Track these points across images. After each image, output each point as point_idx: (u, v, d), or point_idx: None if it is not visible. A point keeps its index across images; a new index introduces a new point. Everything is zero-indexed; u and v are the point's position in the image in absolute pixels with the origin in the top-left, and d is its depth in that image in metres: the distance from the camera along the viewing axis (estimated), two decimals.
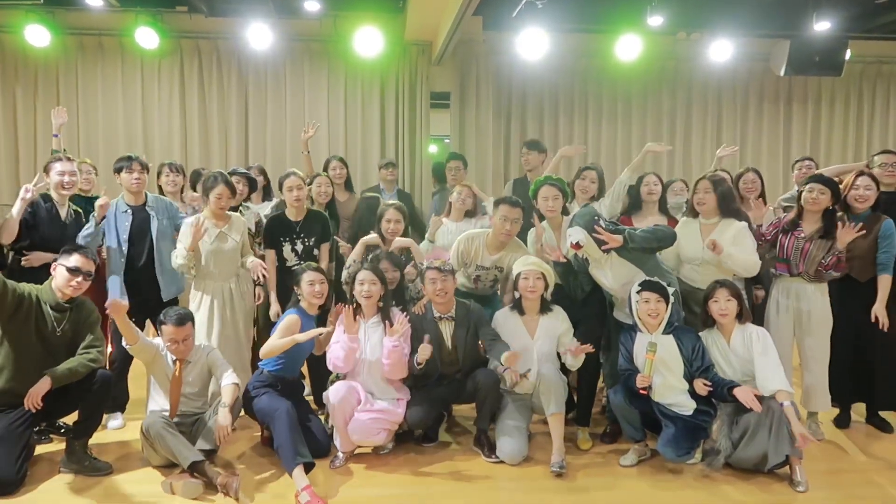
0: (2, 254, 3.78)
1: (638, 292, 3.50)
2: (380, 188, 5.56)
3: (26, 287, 3.37)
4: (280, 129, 6.60)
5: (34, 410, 3.22)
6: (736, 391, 3.31)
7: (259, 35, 5.92)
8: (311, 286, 3.67)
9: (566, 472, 3.42)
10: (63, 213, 3.92)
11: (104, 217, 3.91)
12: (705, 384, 3.33)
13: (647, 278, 3.52)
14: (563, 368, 3.80)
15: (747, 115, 7.46)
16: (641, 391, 3.35)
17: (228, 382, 3.47)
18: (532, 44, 5.99)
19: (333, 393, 3.54)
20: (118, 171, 4.07)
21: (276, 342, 3.55)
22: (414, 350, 3.62)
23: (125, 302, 3.34)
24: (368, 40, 6.01)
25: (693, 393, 3.40)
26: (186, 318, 3.54)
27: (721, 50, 6.61)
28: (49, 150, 4.94)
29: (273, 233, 4.25)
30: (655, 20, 6.10)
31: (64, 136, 6.24)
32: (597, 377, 3.92)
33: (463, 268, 4.08)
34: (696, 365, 3.43)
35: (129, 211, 4.05)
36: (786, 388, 3.34)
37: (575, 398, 4.03)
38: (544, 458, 3.58)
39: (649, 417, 3.48)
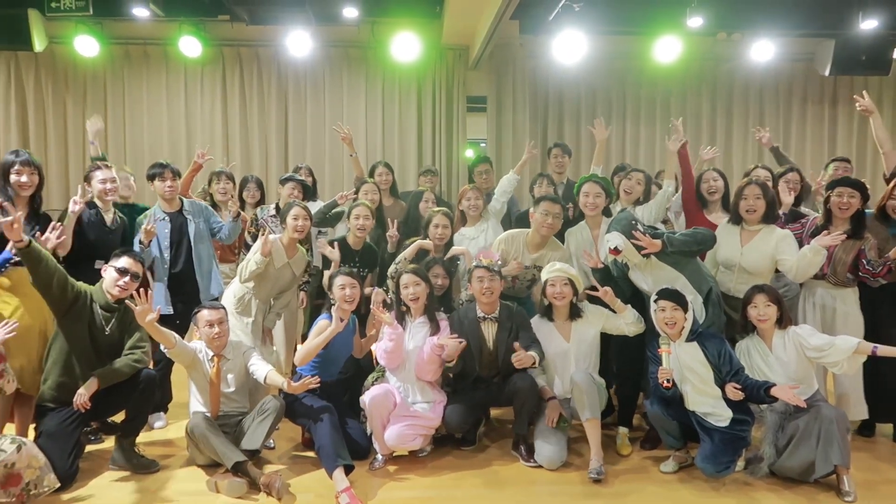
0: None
1: (655, 301, 3.47)
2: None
3: (81, 285, 3.50)
4: (319, 134, 6.70)
5: (83, 411, 3.33)
6: (774, 390, 3.21)
7: (298, 42, 6.02)
8: (342, 290, 3.71)
9: (605, 478, 3.40)
10: (108, 219, 4.04)
11: (151, 241, 4.02)
12: (736, 388, 3.27)
13: (665, 286, 3.49)
14: (603, 372, 3.78)
15: (790, 117, 7.32)
16: (666, 386, 3.31)
17: (267, 369, 3.55)
18: (569, 47, 5.97)
19: (370, 397, 3.58)
20: (151, 178, 4.19)
21: (310, 344, 3.60)
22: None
23: (153, 312, 3.38)
24: (406, 46, 6.06)
25: (728, 400, 3.33)
26: (219, 305, 3.67)
27: (763, 50, 6.49)
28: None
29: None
30: (695, 21, 6.03)
31: (111, 143, 6.50)
32: (638, 378, 3.89)
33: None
34: (725, 370, 3.37)
35: (166, 218, 4.16)
36: (860, 342, 3.28)
37: (614, 401, 4.00)
38: (583, 463, 3.57)
39: (688, 427, 3.44)
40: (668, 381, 3.31)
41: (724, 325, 3.66)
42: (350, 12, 6.04)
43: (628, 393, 3.95)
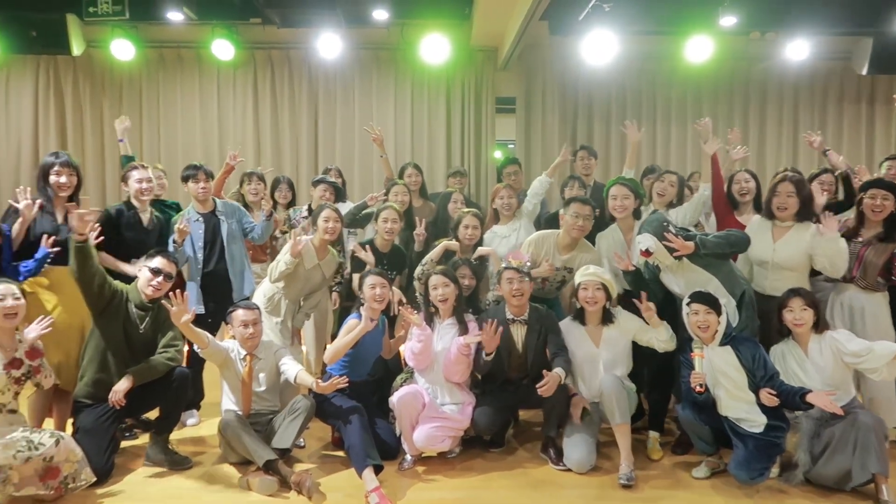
0: None
1: (688, 304, 3.42)
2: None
3: (118, 284, 3.57)
4: (349, 136, 6.75)
5: (118, 408, 3.40)
6: (810, 397, 3.15)
7: (329, 44, 6.07)
8: (372, 289, 3.73)
9: (635, 483, 3.37)
10: (145, 219, 4.11)
11: (184, 240, 4.09)
12: (770, 393, 3.21)
13: (698, 289, 3.44)
14: (633, 376, 3.75)
15: (826, 117, 7.17)
16: (698, 390, 3.26)
17: (297, 369, 3.59)
18: (599, 47, 5.93)
19: (399, 398, 3.60)
20: (185, 180, 4.26)
21: (339, 342, 3.63)
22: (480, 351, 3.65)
23: (188, 313, 3.43)
24: (435, 47, 6.07)
25: (763, 406, 3.27)
26: (254, 305, 3.73)
27: (798, 49, 6.37)
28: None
29: (361, 260, 4.24)
30: (728, 20, 5.95)
31: (146, 145, 6.62)
32: (669, 381, 3.84)
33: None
34: (759, 374, 3.31)
35: (200, 219, 4.22)
36: None
37: (645, 405, 3.96)
38: (612, 467, 3.54)
39: (721, 433, 3.39)
40: (700, 385, 3.27)
41: (759, 328, 3.60)
42: (380, 14, 6.08)
43: (659, 397, 3.91)
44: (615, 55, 6.05)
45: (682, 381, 3.42)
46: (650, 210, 4.16)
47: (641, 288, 3.71)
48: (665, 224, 3.53)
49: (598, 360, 3.68)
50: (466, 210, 4.39)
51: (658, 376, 3.82)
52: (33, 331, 3.22)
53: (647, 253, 3.52)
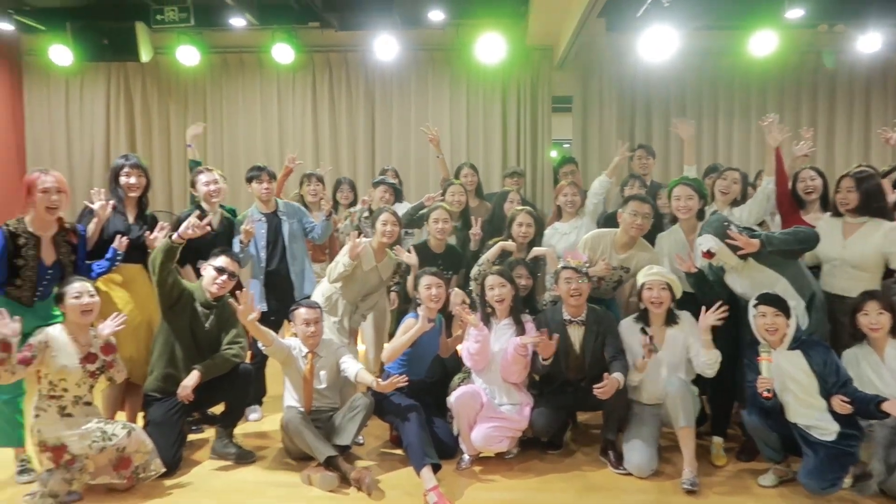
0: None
1: (754, 306, 3.31)
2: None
3: (186, 283, 3.70)
4: (405, 136, 6.80)
5: (186, 402, 3.51)
6: (886, 405, 3.01)
7: (385, 46, 6.13)
8: (427, 290, 3.75)
9: (699, 489, 3.28)
10: (215, 221, 4.24)
11: (250, 240, 4.20)
12: (843, 401, 3.07)
13: (766, 291, 3.32)
14: (697, 379, 3.66)
15: None
16: (766, 396, 3.15)
17: (358, 368, 3.66)
18: (658, 44, 5.80)
19: (457, 398, 3.60)
20: (249, 180, 4.37)
21: (397, 341, 3.66)
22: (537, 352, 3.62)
23: (255, 311, 3.53)
24: (490, 47, 6.06)
25: (835, 413, 3.14)
26: (316, 304, 3.81)
27: (869, 42, 6.11)
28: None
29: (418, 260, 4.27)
30: (795, 13, 5.74)
31: (210, 147, 6.82)
32: (733, 386, 3.74)
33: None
34: (831, 381, 3.18)
35: (262, 219, 4.32)
36: None
37: (706, 410, 3.87)
38: (674, 472, 3.46)
39: (789, 440, 3.27)
40: (767, 391, 3.16)
41: (830, 332, 3.46)
42: (436, 15, 6.11)
43: (722, 401, 3.80)
44: (674, 51, 5.92)
45: (749, 386, 3.32)
46: (712, 210, 4.05)
47: (705, 290, 3.61)
48: (726, 224, 3.43)
49: (662, 362, 3.60)
50: (520, 208, 4.36)
51: (721, 380, 3.70)
52: (108, 327, 3.35)
53: (708, 254, 3.43)
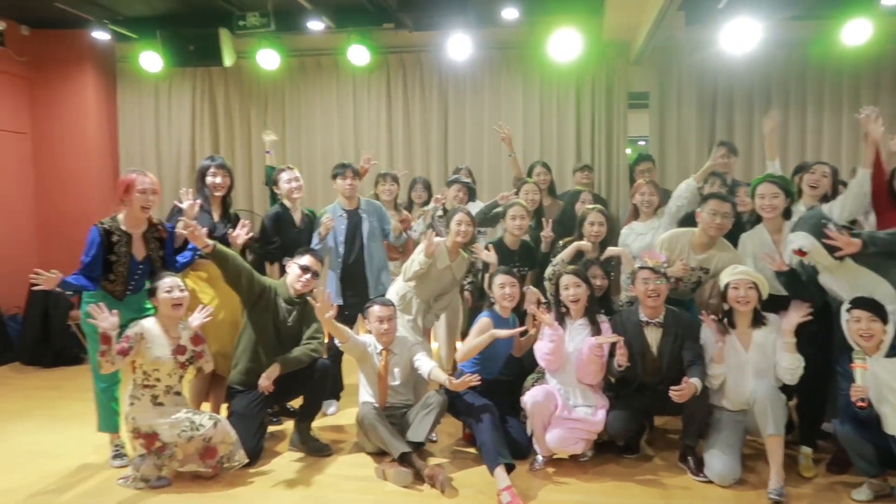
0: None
1: (848, 310, 3.13)
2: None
3: (267, 280, 3.82)
4: (478, 136, 6.79)
5: (267, 394, 3.63)
6: None
7: (459, 46, 6.14)
8: (501, 289, 3.75)
9: (786, 501, 3.14)
10: (297, 218, 4.37)
11: (328, 232, 4.30)
12: None
13: (860, 295, 3.14)
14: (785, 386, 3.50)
15: None
16: (860, 405, 2.98)
17: (431, 366, 3.68)
18: (741, 36, 5.57)
19: (531, 398, 3.57)
20: (334, 177, 4.47)
21: (474, 341, 3.66)
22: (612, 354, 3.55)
23: (332, 310, 3.61)
24: (565, 44, 5.97)
25: None
26: (389, 301, 3.86)
27: None
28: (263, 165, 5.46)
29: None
30: (892, 0, 5.41)
31: (288, 148, 7.02)
32: (824, 392, 3.56)
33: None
34: None
35: (344, 215, 4.42)
36: None
37: (793, 417, 3.69)
38: (759, 482, 3.33)
39: (887, 453, 3.07)
40: (862, 400, 2.99)
41: None
42: (510, 13, 6.07)
43: (812, 409, 3.62)
44: (758, 43, 5.67)
45: (841, 394, 3.15)
46: (809, 206, 3.85)
47: (798, 291, 3.44)
48: (823, 221, 3.25)
49: (748, 365, 3.45)
50: (591, 206, 4.29)
51: (811, 386, 3.53)
52: (196, 319, 3.50)
53: (800, 252, 3.26)
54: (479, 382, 3.46)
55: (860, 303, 3.11)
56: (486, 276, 4.09)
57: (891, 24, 5.96)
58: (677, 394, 3.26)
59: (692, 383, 3.30)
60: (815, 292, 3.44)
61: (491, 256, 4.14)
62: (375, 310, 3.78)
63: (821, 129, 6.49)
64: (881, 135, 3.69)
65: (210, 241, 3.57)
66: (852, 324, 3.12)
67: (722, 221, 3.74)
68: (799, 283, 3.45)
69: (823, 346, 3.47)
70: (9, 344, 5.97)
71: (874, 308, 3.08)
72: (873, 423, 3.06)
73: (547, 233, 4.44)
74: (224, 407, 3.88)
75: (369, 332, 3.86)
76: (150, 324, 3.42)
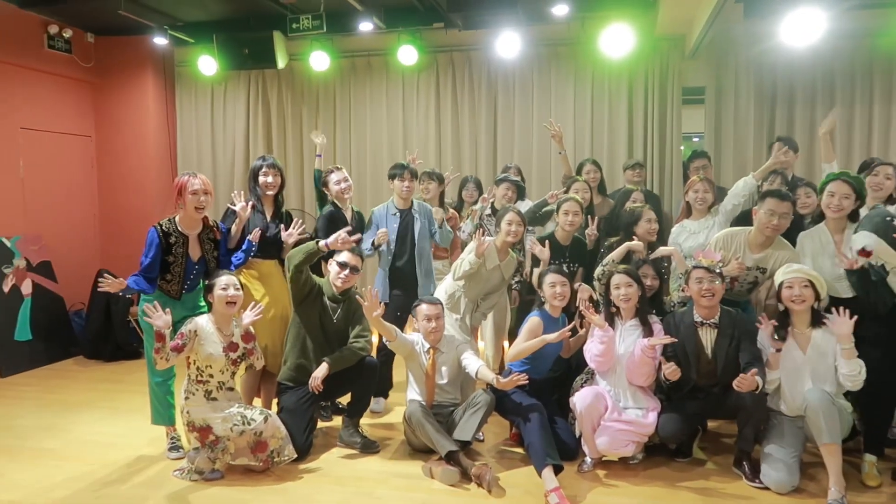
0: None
1: None
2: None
3: (315, 278, 3.87)
4: (527, 134, 6.74)
5: (316, 392, 3.68)
6: None
7: (508, 44, 6.10)
8: (552, 287, 3.71)
9: None
10: (348, 216, 4.43)
11: (381, 244, 4.38)
12: None
13: None
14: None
15: None
16: None
17: (479, 364, 3.68)
18: (802, 27, 5.36)
19: (580, 399, 3.52)
20: (392, 177, 4.50)
21: (524, 345, 3.63)
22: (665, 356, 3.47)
23: (379, 308, 3.65)
24: (617, 39, 5.85)
25: None
26: (437, 300, 3.87)
27: None
28: (312, 167, 5.52)
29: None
30: None
31: (339, 148, 7.11)
32: (892, 399, 3.40)
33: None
34: None
35: (397, 214, 4.45)
36: None
37: (857, 424, 3.53)
38: (819, 491, 3.20)
39: None
40: None
41: None
42: (560, 10, 5.99)
43: (877, 416, 3.46)
44: (821, 35, 5.45)
45: None
46: (872, 206, 3.67)
47: (867, 291, 3.29)
48: (889, 219, 3.10)
49: (805, 368, 3.32)
50: (642, 205, 4.21)
51: (877, 392, 3.36)
52: (247, 317, 3.58)
53: (864, 252, 3.12)
54: (527, 381, 3.43)
55: None
56: (536, 271, 4.06)
57: None
58: (739, 383, 3.18)
59: (755, 378, 3.19)
60: (887, 294, 3.27)
61: (545, 253, 4.10)
62: (423, 308, 3.80)
63: (889, 124, 6.19)
64: None
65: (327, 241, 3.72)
66: None
67: (779, 222, 3.61)
68: (869, 284, 3.28)
69: (891, 350, 3.32)
70: (73, 338, 6.24)
71: None
72: None
73: (592, 231, 4.38)
74: (274, 402, 3.96)
75: (417, 330, 3.87)
76: (203, 321, 3.51)
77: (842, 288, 3.47)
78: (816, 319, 3.36)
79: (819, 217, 3.70)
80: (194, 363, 3.47)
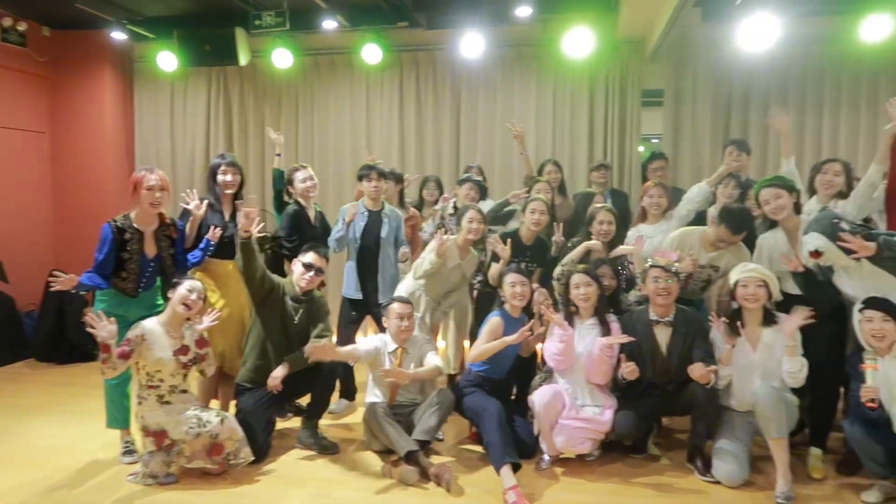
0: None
1: (861, 310, 3.10)
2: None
3: (276, 278, 3.84)
4: (490, 134, 6.77)
5: (275, 393, 3.65)
6: None
7: (472, 44, 6.12)
8: (512, 287, 3.75)
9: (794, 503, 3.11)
10: (311, 215, 4.40)
11: (353, 219, 4.34)
12: None
13: (873, 295, 3.09)
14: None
15: None
16: (870, 406, 2.94)
17: (434, 363, 3.73)
18: (758, 32, 5.49)
19: (539, 397, 3.56)
20: (360, 178, 4.50)
21: (485, 346, 3.65)
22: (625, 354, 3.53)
23: (328, 346, 3.56)
24: (578, 41, 5.93)
25: None
26: (407, 299, 3.89)
27: None
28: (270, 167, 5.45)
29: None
30: None
31: (301, 147, 7.05)
32: (835, 394, 3.51)
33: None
34: None
35: (366, 213, 4.45)
36: None
37: (803, 418, 3.64)
38: (767, 483, 3.30)
39: None
40: (872, 400, 2.95)
41: None
42: (523, 11, 6.04)
43: (822, 410, 3.57)
44: (776, 40, 5.59)
45: (852, 395, 3.11)
46: (821, 207, 3.78)
47: (813, 291, 3.40)
48: (836, 221, 3.20)
49: (755, 365, 3.42)
50: (601, 205, 4.28)
51: (822, 387, 3.48)
52: (204, 322, 3.51)
53: (815, 254, 3.21)
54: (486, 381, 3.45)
55: (873, 303, 3.07)
56: (495, 266, 4.09)
57: None
58: (693, 372, 3.27)
59: (710, 370, 3.28)
60: (832, 293, 3.39)
61: (506, 251, 4.13)
62: (396, 307, 3.80)
63: (837, 128, 6.38)
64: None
65: (252, 229, 3.60)
66: (865, 324, 3.07)
67: (729, 245, 3.76)
68: (815, 284, 3.40)
69: (837, 348, 3.43)
70: (24, 340, 6.07)
71: (887, 308, 3.04)
72: (884, 424, 3.02)
73: (559, 238, 4.43)
74: (232, 404, 3.92)
75: (380, 331, 3.87)
76: (151, 324, 3.42)
77: (792, 286, 3.57)
78: (768, 318, 3.45)
79: (771, 221, 3.80)
80: (143, 368, 3.39)
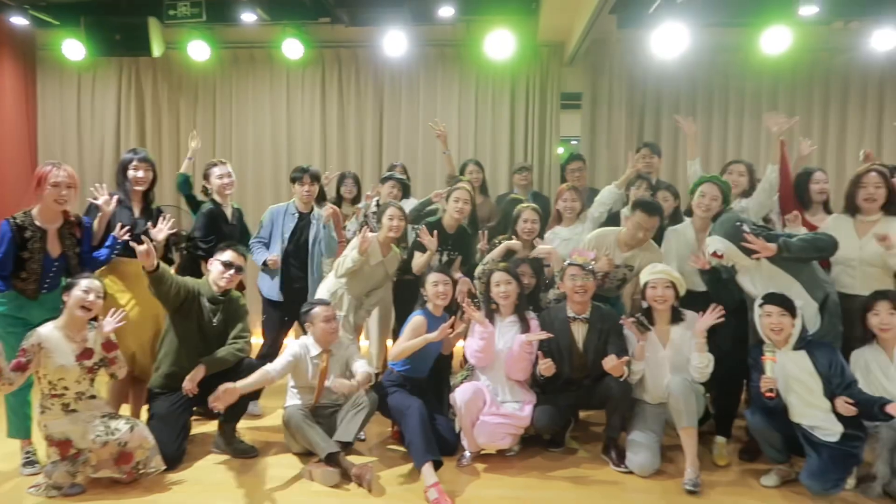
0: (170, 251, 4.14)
1: (760, 305, 3.29)
2: (513, 193, 5.57)
3: (190, 281, 3.70)
4: (413, 133, 6.79)
5: (191, 396, 3.53)
6: (890, 407, 2.97)
7: (395, 42, 6.11)
8: (434, 287, 3.78)
9: (701, 490, 3.27)
10: (228, 213, 4.28)
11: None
12: (847, 402, 3.04)
13: (772, 291, 3.30)
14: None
15: None
16: (768, 395, 3.13)
17: (364, 370, 3.68)
18: (670, 40, 5.75)
19: (460, 394, 3.60)
20: (293, 181, 4.43)
21: (406, 344, 3.66)
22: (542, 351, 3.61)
23: (229, 389, 3.36)
24: (500, 43, 6.02)
25: (839, 414, 3.11)
26: (328, 302, 3.87)
27: (885, 39, 6.01)
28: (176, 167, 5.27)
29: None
30: (809, 10, 5.66)
31: (219, 142, 6.85)
32: (739, 385, 3.72)
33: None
34: (836, 382, 3.16)
35: (296, 215, 4.38)
36: None
37: (711, 409, 3.83)
38: (676, 472, 3.45)
39: (792, 440, 3.24)
40: (770, 390, 3.14)
41: (841, 335, 3.41)
42: (446, 11, 6.07)
43: (726, 401, 3.78)
44: (686, 48, 5.86)
45: (752, 385, 3.30)
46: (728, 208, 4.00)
47: (718, 288, 3.58)
48: (739, 224, 3.39)
49: (665, 361, 3.58)
50: (526, 204, 4.37)
51: (726, 379, 3.68)
52: (108, 324, 3.32)
53: (717, 255, 3.40)
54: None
55: (771, 298, 3.26)
56: (418, 255, 4.14)
57: (808, 33, 6.24)
58: (607, 360, 3.39)
59: (622, 364, 3.40)
60: (735, 291, 3.59)
61: (432, 243, 4.14)
62: (320, 311, 3.73)
63: (741, 134, 6.76)
64: (783, 132, 3.87)
65: (156, 262, 3.43)
66: (764, 318, 3.26)
67: (644, 235, 3.89)
68: (719, 282, 3.59)
69: (740, 342, 3.62)
70: None
71: (784, 303, 3.23)
72: (781, 412, 3.22)
73: (483, 245, 4.47)
74: (144, 409, 3.76)
75: (304, 334, 3.82)
76: (47, 331, 3.20)
77: (698, 282, 3.75)
78: (676, 317, 3.61)
79: (674, 217, 3.99)
80: (45, 377, 3.18)
